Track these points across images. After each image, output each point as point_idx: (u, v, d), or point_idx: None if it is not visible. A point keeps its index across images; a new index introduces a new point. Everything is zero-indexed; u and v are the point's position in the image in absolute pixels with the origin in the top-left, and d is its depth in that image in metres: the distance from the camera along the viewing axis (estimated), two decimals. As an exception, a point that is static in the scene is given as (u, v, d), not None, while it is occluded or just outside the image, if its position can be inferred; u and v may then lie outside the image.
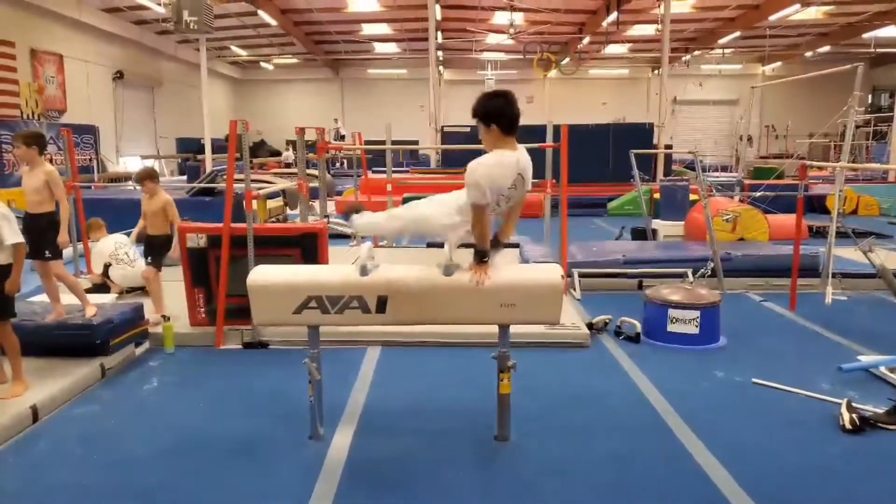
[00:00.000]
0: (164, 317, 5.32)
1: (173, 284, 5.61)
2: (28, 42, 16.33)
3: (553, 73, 27.11)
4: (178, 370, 4.70)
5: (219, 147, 16.53)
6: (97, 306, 4.72)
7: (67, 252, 5.81)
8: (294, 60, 29.46)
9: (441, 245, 3.34)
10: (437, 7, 18.31)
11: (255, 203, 5.20)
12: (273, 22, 20.81)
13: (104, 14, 19.28)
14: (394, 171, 10.29)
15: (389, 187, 8.97)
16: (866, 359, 4.61)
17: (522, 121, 3.16)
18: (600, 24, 20.74)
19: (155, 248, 5.42)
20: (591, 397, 4.13)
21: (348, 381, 4.31)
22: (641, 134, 16.60)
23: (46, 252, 4.49)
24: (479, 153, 3.17)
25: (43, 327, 4.44)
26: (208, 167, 14.68)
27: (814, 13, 20.99)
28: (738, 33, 22.84)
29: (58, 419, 3.81)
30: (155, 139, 23.69)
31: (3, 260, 3.79)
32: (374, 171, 13.24)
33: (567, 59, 26.67)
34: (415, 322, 3.48)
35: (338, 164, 20.25)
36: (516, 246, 7.84)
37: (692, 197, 9.83)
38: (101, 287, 6.28)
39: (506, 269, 3.34)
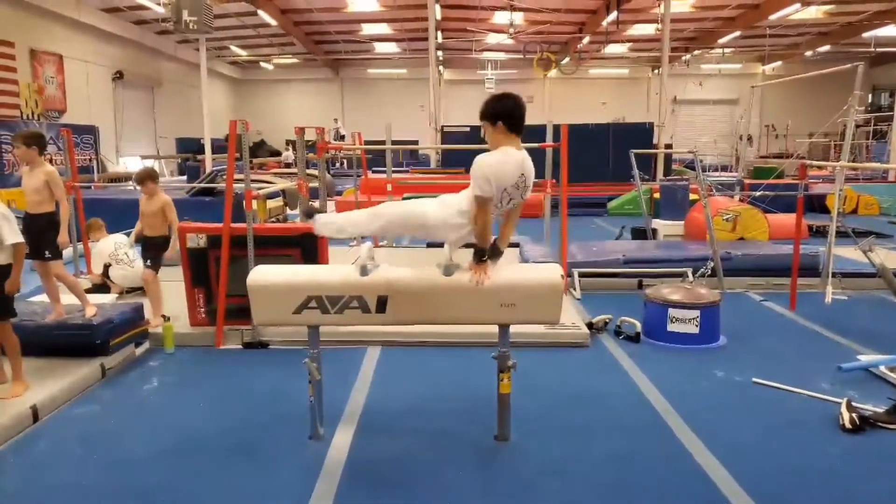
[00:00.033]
0: (164, 317, 5.33)
1: (173, 284, 5.61)
2: (28, 42, 16.33)
3: (553, 72, 27.13)
4: (178, 370, 4.70)
5: (219, 147, 16.54)
6: (97, 306, 4.72)
7: (67, 252, 5.82)
8: (294, 60, 29.46)
9: (441, 245, 3.35)
10: (437, 7, 18.31)
11: (255, 203, 5.20)
12: (273, 22, 20.81)
13: (104, 14, 19.29)
14: (394, 171, 10.30)
15: (389, 187, 8.97)
16: (866, 358, 4.61)
17: (522, 121, 3.23)
18: (600, 23, 20.74)
19: (152, 250, 5.39)
20: (591, 397, 4.13)
21: (348, 381, 4.31)
22: (641, 133, 16.61)
23: (46, 252, 4.50)
24: (480, 153, 3.18)
25: (43, 327, 4.44)
26: (208, 167, 14.69)
27: (814, 12, 20.99)
28: (738, 33, 22.84)
29: (58, 419, 3.81)
30: (155, 139, 23.70)
31: (3, 260, 3.79)
32: (374, 171, 13.24)
33: (567, 59, 26.67)
34: (415, 322, 3.47)
35: (338, 164, 20.24)
36: (516, 246, 7.83)
37: (692, 196, 9.83)
38: (101, 287, 6.28)
39: (506, 269, 3.34)
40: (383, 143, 9.74)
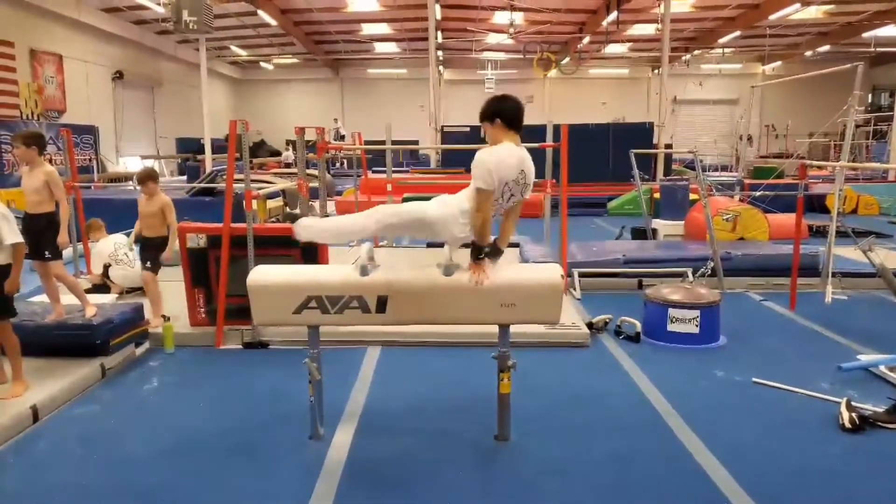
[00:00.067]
0: (164, 317, 5.33)
1: (173, 284, 5.61)
2: (27, 42, 16.33)
3: (553, 72, 27.11)
4: (178, 370, 4.70)
5: (219, 147, 16.54)
6: (97, 306, 4.72)
7: (67, 252, 5.81)
8: (294, 60, 29.46)
9: (441, 245, 3.35)
10: (437, 7, 18.31)
11: (255, 203, 5.20)
12: (273, 22, 20.81)
13: (104, 14, 19.28)
14: (394, 171, 10.30)
15: (389, 187, 8.97)
16: (866, 358, 4.61)
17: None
18: (600, 23, 20.73)
19: (151, 251, 5.38)
20: (591, 397, 4.13)
21: (348, 381, 4.31)
22: (641, 133, 16.61)
23: (46, 252, 4.50)
24: (481, 151, 3.19)
25: (43, 327, 4.44)
26: (208, 167, 14.69)
27: (814, 12, 20.99)
28: (738, 33, 22.84)
29: (58, 419, 3.81)
30: (155, 139, 23.69)
31: (3, 260, 3.79)
32: (374, 171, 13.25)
33: (567, 59, 26.67)
34: (415, 322, 3.47)
35: (338, 164, 20.24)
36: (516, 246, 7.83)
37: (692, 196, 9.84)
38: (101, 287, 6.28)
39: (506, 268, 3.35)
40: (383, 143, 9.74)
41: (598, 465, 3.25)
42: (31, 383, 3.95)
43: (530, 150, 3.27)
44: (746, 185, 11.38)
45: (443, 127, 18.86)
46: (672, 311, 5.09)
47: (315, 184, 9.34)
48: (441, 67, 27.79)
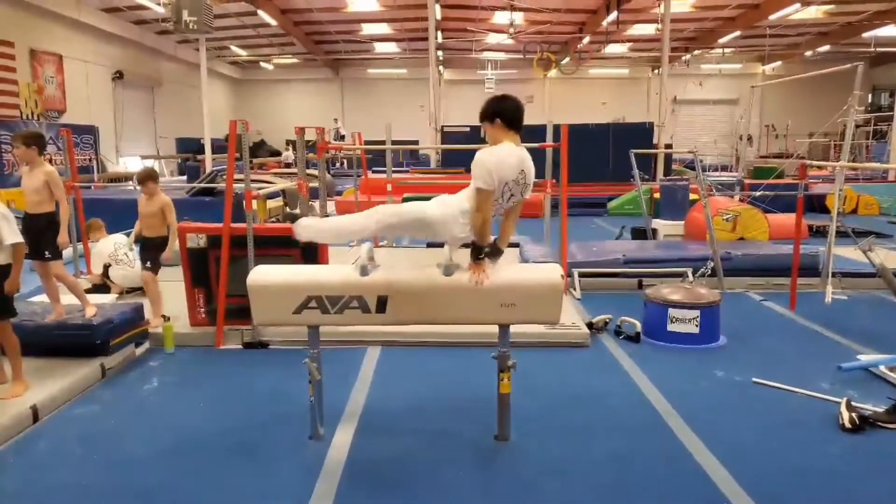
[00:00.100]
0: (164, 317, 5.33)
1: (173, 284, 5.60)
2: (27, 42, 16.33)
3: (553, 72, 27.11)
4: (178, 370, 4.70)
5: (219, 147, 16.54)
6: (97, 306, 4.72)
7: (67, 252, 5.81)
8: (294, 60, 29.46)
9: (441, 245, 3.35)
10: (437, 7, 18.31)
11: (254, 203, 5.20)
12: (273, 22, 20.81)
13: (104, 14, 19.28)
14: (394, 171, 10.29)
15: (389, 187, 8.96)
16: (866, 358, 4.61)
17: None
18: (600, 23, 20.73)
19: (151, 251, 5.38)
20: (591, 397, 4.13)
21: (348, 381, 4.31)
22: (641, 133, 16.61)
23: (46, 252, 4.50)
24: (481, 151, 3.20)
25: (43, 327, 4.44)
26: (208, 167, 14.69)
27: (814, 12, 20.99)
28: (738, 33, 22.84)
29: (58, 419, 3.81)
30: (155, 139, 23.69)
31: (3, 260, 3.79)
32: (374, 171, 13.25)
33: (567, 59, 26.67)
34: (415, 322, 3.47)
35: (338, 164, 20.24)
36: (516, 246, 7.83)
37: (692, 196, 9.84)
38: (101, 287, 6.28)
39: (506, 268, 3.35)
40: (383, 143, 9.74)
41: (598, 465, 3.25)
42: (31, 383, 3.95)
43: (530, 150, 3.28)
44: (746, 185, 11.38)
45: (443, 127, 18.86)
46: (672, 311, 5.09)
47: (315, 184, 9.34)
48: (441, 67, 27.79)
